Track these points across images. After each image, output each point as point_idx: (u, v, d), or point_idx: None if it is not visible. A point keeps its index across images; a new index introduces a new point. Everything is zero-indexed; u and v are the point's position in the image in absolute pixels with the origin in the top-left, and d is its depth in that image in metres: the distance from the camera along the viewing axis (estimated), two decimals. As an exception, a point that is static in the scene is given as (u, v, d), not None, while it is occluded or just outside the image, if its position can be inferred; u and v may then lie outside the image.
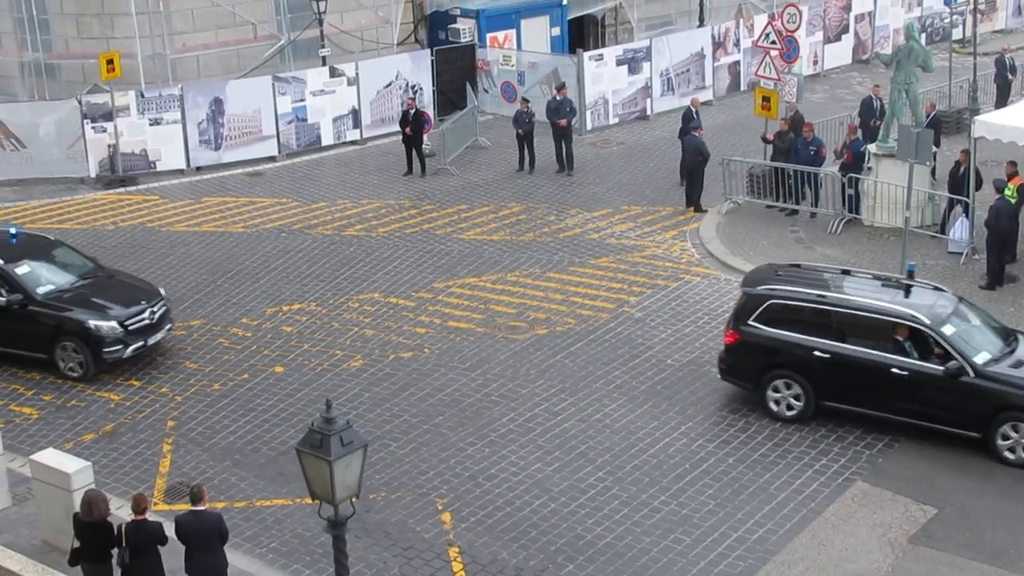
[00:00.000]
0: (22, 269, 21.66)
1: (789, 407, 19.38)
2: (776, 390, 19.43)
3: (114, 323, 21.16)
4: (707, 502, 17.39)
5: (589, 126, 35.28)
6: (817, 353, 19.02)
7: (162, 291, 22.63)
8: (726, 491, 17.64)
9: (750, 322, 19.59)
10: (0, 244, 22.21)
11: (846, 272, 20.73)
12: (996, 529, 16.68)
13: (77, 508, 14.81)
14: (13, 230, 22.69)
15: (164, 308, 22.13)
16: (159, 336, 21.90)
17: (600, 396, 20.41)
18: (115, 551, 14.39)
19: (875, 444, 18.72)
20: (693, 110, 30.67)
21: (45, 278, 21.80)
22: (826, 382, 19.06)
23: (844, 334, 19.00)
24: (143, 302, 21.81)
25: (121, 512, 16.11)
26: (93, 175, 31.86)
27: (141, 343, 21.45)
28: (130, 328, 21.30)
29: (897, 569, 15.96)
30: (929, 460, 18.31)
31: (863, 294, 19.39)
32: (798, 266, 21.20)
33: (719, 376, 20.15)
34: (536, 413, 19.93)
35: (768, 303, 19.55)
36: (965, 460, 18.22)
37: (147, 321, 21.61)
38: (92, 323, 21.03)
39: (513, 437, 19.22)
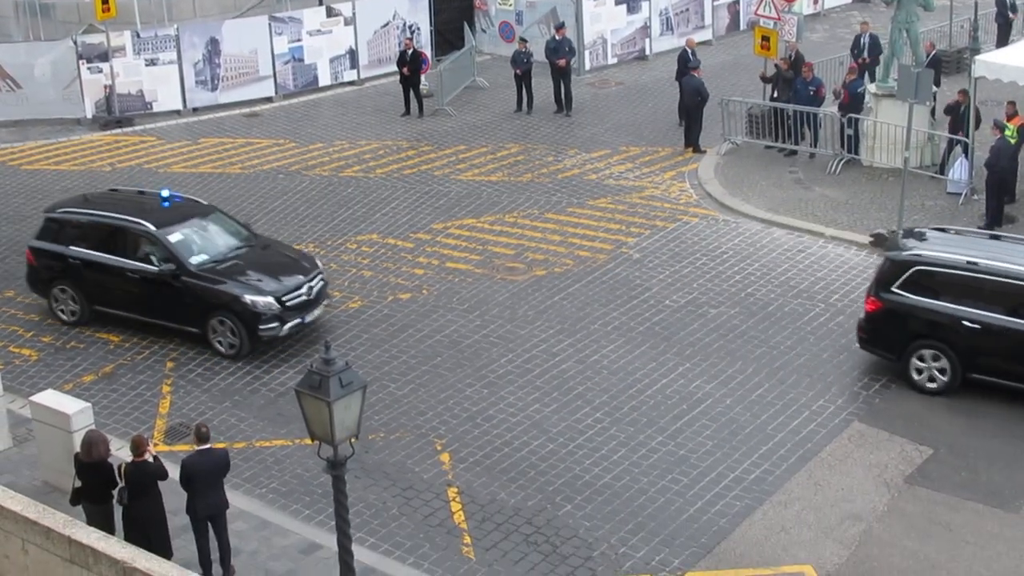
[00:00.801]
0: (175, 236, 20.21)
1: (933, 379, 18.43)
2: (921, 361, 18.43)
3: (270, 298, 19.58)
4: (704, 442, 17.47)
5: (588, 66, 35.04)
6: (966, 323, 18.01)
7: (319, 263, 21.17)
8: (723, 432, 17.73)
9: (894, 289, 18.53)
10: (151, 208, 20.91)
11: (995, 237, 19.56)
12: (991, 469, 16.77)
13: (77, 449, 14.90)
14: (165, 193, 21.27)
15: (322, 283, 20.53)
16: (316, 313, 20.28)
17: (598, 337, 20.44)
18: (115, 491, 14.50)
19: (872, 384, 18.78)
20: (689, 51, 30.37)
21: (198, 246, 20.33)
22: (974, 354, 18.05)
23: (995, 303, 17.88)
24: (300, 276, 20.22)
25: (122, 453, 16.16)
26: (89, 116, 31.68)
27: (298, 320, 19.88)
28: (287, 304, 19.73)
29: (893, 509, 16.07)
30: (925, 401, 18.37)
31: (1016, 261, 18.03)
32: (944, 230, 19.79)
33: (858, 346, 19.28)
34: (534, 354, 19.97)
35: (913, 269, 18.42)
36: (961, 400, 18.28)
37: (304, 297, 19.99)
38: (248, 298, 19.50)
39: (511, 378, 19.27)
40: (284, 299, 19.75)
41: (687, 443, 17.46)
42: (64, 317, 21.07)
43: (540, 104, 31.91)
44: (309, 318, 20.17)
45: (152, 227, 20.28)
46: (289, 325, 19.81)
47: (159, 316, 20.33)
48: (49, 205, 22.42)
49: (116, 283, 20.51)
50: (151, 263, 20.12)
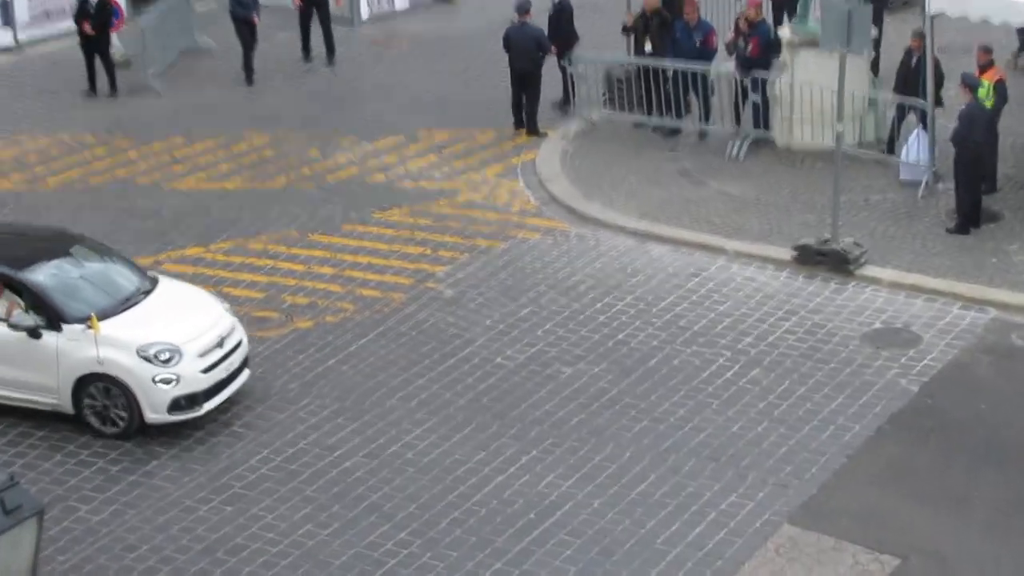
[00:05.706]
0: None
1: None
2: None
3: None
4: (564, 568, 17.46)
5: (365, 15, 35.24)
6: None
7: None
8: (591, 549, 17.75)
9: None
10: None
11: None
12: (984, 583, 17.15)
13: None
14: None
15: None
16: None
17: (398, 419, 20.41)
18: None
19: (806, 468, 19.02)
20: None
21: None
22: None
23: None
24: None
25: None
26: None
27: None
28: None
29: (846, 650, 16.31)
30: (883, 488, 18.70)
31: None
32: None
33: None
34: (301, 449, 19.83)
35: None
36: (933, 487, 18.64)
37: None
38: None
39: (268, 487, 19.05)
40: None
41: (538, 570, 17.43)
42: None
43: (282, 62, 31.99)
44: None
45: None
46: None
47: None
48: None
49: None
50: None
